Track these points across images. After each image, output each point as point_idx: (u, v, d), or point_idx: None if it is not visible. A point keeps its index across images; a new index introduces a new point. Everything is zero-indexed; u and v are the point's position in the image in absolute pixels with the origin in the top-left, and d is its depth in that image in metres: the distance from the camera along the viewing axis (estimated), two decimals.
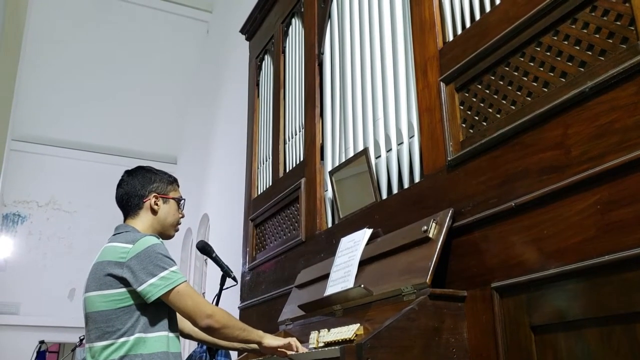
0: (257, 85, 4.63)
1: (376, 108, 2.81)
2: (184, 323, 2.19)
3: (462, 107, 2.23)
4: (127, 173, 2.24)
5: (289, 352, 2.12)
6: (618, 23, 1.65)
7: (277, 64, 4.19)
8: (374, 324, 2.09)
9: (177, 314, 2.06)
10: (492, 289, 1.89)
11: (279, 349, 2.13)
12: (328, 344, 2.17)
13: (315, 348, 2.25)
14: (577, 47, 1.77)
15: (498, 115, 2.05)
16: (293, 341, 2.15)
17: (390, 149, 2.64)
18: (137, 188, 2.17)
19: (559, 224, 1.71)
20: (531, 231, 1.80)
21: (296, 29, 3.95)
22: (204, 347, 3.85)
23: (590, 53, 1.73)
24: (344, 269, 2.48)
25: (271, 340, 2.13)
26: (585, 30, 1.75)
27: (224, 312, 2.02)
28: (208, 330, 1.99)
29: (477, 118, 2.15)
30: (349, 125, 3.02)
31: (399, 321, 1.85)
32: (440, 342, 1.90)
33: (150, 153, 10.59)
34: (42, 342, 6.95)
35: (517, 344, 1.79)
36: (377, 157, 2.72)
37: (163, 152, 10.89)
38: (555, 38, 1.85)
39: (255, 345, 2.21)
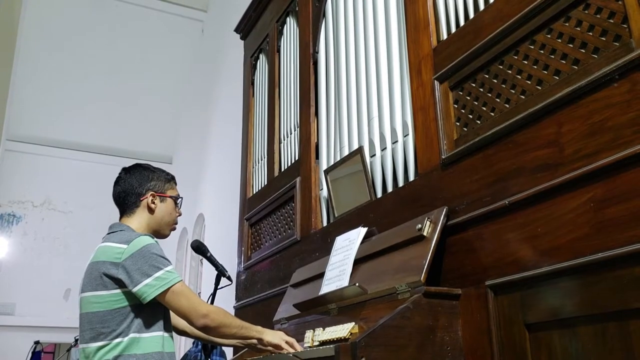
0: (252, 84, 4.62)
1: (371, 107, 2.81)
2: (178, 320, 2.18)
3: (456, 106, 2.23)
4: (125, 170, 2.23)
5: (287, 350, 2.11)
6: (611, 21, 1.66)
7: (271, 63, 4.18)
8: (368, 322, 2.09)
9: (171, 313, 2.05)
10: (486, 287, 1.90)
11: (277, 347, 2.12)
12: (323, 343, 2.17)
13: (310, 347, 2.25)
14: (571, 45, 1.77)
15: (492, 114, 2.05)
16: (293, 340, 2.15)
17: (385, 148, 2.64)
18: (135, 186, 2.16)
19: (553, 222, 1.71)
20: (525, 229, 1.81)
21: (291, 27, 3.95)
22: (199, 346, 3.85)
23: (583, 51, 1.73)
24: (338, 268, 2.48)
25: (271, 338, 2.13)
26: (578, 28, 1.76)
27: (220, 311, 2.02)
28: (204, 329, 1.99)
29: (471, 116, 2.15)
30: (344, 124, 3.02)
31: (393, 319, 1.85)
32: (434, 341, 1.91)
33: (145, 153, 10.55)
34: (37, 343, 6.91)
35: (511, 341, 1.79)
36: (372, 155, 2.72)
37: (158, 152, 10.85)
38: (548, 36, 1.86)
39: (253, 340, 2.21)
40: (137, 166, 2.25)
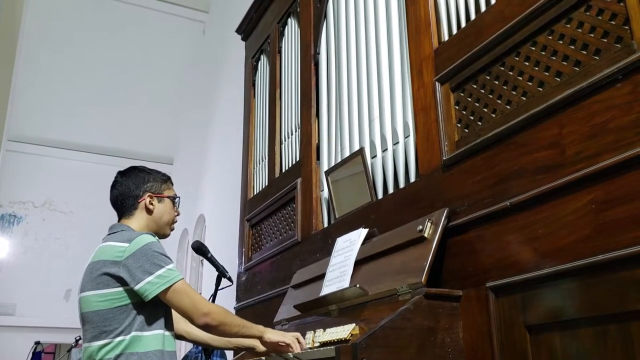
0: (253, 85, 4.62)
1: (372, 108, 2.81)
2: (176, 324, 2.18)
3: (457, 107, 2.23)
4: (121, 174, 2.23)
5: (291, 351, 2.09)
6: (612, 22, 1.66)
7: (273, 64, 4.18)
8: (369, 323, 2.09)
9: (174, 313, 2.05)
10: (487, 288, 1.89)
11: (279, 345, 2.10)
12: (323, 344, 2.16)
13: (310, 348, 2.25)
14: (572, 47, 1.77)
15: (493, 115, 2.05)
16: (294, 338, 2.12)
17: (386, 149, 2.64)
18: (132, 189, 2.16)
19: (554, 223, 1.71)
20: (526, 231, 1.81)
21: (292, 29, 3.95)
22: (200, 347, 3.84)
23: (585, 52, 1.73)
24: (339, 269, 2.48)
25: (273, 335, 2.10)
26: (580, 30, 1.76)
27: (221, 309, 2.01)
28: (205, 328, 1.98)
29: (472, 118, 2.15)
30: (345, 125, 3.02)
31: (394, 321, 1.85)
32: (435, 342, 1.90)
33: (146, 154, 10.56)
34: (37, 343, 6.90)
35: (512, 343, 1.79)
36: (373, 157, 2.72)
37: (159, 153, 10.85)
38: (550, 37, 1.86)
39: (251, 342, 2.19)
40: (132, 169, 2.24)
